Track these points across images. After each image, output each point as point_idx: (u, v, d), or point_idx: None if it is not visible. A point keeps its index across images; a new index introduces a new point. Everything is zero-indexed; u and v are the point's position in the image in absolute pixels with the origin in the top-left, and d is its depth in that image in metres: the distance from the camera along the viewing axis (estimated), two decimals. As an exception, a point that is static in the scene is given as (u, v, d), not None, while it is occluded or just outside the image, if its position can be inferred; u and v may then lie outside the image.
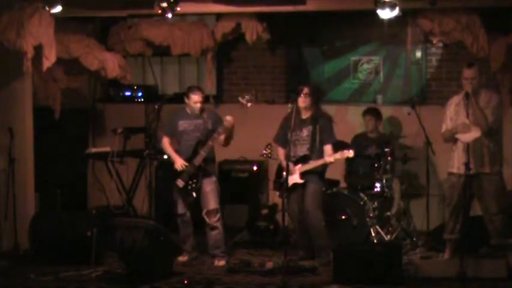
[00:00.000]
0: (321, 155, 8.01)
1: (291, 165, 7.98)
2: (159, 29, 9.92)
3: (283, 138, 8.17)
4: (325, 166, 8.14)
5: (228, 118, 7.97)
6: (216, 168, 8.45)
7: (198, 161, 8.04)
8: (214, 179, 8.17)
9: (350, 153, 7.87)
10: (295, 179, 8.03)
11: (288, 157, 7.95)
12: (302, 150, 8.08)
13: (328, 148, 8.02)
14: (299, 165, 8.03)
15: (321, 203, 8.10)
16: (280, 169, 8.30)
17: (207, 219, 8.06)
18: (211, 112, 8.36)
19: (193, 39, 9.89)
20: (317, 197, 8.06)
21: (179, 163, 8.12)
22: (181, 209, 8.19)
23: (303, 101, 8.03)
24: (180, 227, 8.26)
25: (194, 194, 8.06)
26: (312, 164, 7.99)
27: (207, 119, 8.14)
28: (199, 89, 8.29)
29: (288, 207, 7.96)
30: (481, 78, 7.63)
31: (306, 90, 8.05)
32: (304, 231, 8.16)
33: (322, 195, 8.17)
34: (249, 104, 8.08)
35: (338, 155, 7.88)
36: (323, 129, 8.05)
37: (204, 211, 8.07)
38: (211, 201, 8.06)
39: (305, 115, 8.10)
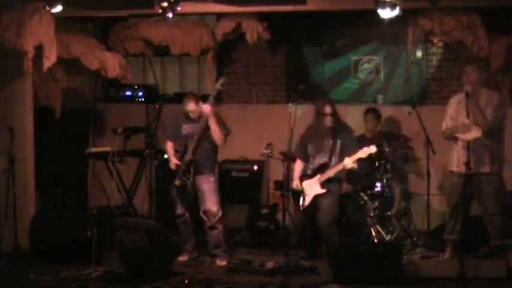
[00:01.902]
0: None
1: (301, 183, 8.00)
2: (158, 29, 9.92)
3: (304, 152, 8.14)
4: (343, 173, 8.11)
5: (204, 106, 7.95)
6: (214, 169, 8.31)
7: (188, 156, 8.04)
8: (212, 178, 8.13)
9: (371, 149, 7.80)
10: (316, 190, 7.98)
11: (305, 170, 7.95)
12: (320, 162, 8.06)
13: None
14: (317, 176, 8.00)
15: (335, 219, 8.04)
16: (296, 193, 8.23)
17: (205, 219, 8.06)
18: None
19: (193, 39, 9.89)
20: (332, 213, 7.99)
21: (172, 162, 8.15)
22: (180, 209, 8.20)
23: (329, 121, 8.01)
24: (180, 227, 8.27)
25: (191, 190, 8.05)
26: (331, 171, 7.94)
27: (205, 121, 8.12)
28: (192, 96, 8.24)
29: (298, 218, 8.07)
30: (482, 77, 7.61)
31: (329, 109, 8.01)
32: (307, 236, 8.18)
33: (337, 210, 8.08)
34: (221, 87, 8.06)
35: (359, 154, 7.80)
36: (346, 143, 8.02)
37: (201, 211, 8.07)
38: (208, 201, 8.04)
39: (325, 127, 8.05)
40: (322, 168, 8.02)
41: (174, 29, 9.93)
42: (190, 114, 8.16)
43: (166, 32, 9.94)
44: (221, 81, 8.13)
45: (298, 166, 8.24)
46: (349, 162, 7.82)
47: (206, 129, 8.02)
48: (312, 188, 8.00)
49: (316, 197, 7.99)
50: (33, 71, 8.47)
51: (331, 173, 7.95)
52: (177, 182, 8.11)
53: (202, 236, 8.34)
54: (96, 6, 8.85)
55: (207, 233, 8.16)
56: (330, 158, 8.02)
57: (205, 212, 8.04)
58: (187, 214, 8.20)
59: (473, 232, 7.62)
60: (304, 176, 8.12)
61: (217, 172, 8.30)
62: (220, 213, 8.09)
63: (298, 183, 8.08)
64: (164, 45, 10.04)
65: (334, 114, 8.08)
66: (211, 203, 8.05)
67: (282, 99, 10.40)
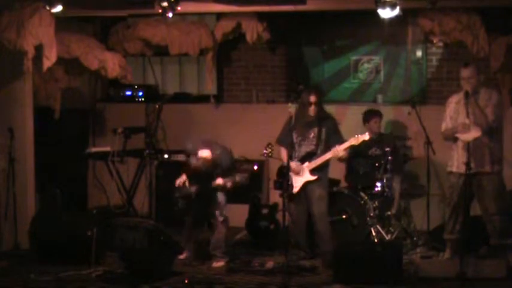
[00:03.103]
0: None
1: (297, 165, 7.97)
2: (157, 29, 9.93)
3: (287, 140, 8.10)
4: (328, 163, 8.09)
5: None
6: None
7: (194, 193, 8.07)
8: (227, 182, 8.08)
9: (365, 136, 7.79)
10: (306, 177, 7.97)
11: (291, 157, 7.93)
12: (307, 151, 8.05)
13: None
14: (306, 164, 7.99)
15: (327, 207, 8.02)
16: (281, 170, 8.23)
17: (211, 219, 8.09)
18: (223, 151, 8.17)
19: (192, 39, 9.89)
20: (324, 202, 7.97)
21: (180, 180, 8.14)
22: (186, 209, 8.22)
23: (312, 110, 7.96)
24: (186, 223, 8.25)
25: (179, 205, 8.11)
26: (321, 158, 7.90)
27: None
28: (204, 152, 8.12)
29: (291, 210, 8.02)
30: (480, 77, 7.61)
31: (313, 98, 7.97)
32: (306, 232, 8.16)
33: (328, 198, 8.06)
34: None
35: (352, 141, 7.79)
36: (330, 132, 7.99)
37: (210, 209, 8.08)
38: (215, 202, 8.05)
39: (310, 117, 8.06)
40: (309, 156, 7.99)
41: (173, 29, 9.93)
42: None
43: (164, 32, 9.94)
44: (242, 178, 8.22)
45: (285, 154, 8.03)
46: (340, 149, 7.81)
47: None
48: (300, 176, 7.98)
49: (306, 185, 7.97)
50: (33, 71, 8.47)
51: (321, 160, 7.92)
52: (177, 194, 8.16)
53: (202, 236, 8.34)
54: (96, 6, 8.85)
55: (210, 232, 8.17)
56: (317, 146, 8.00)
57: (212, 210, 8.07)
58: (191, 214, 8.19)
59: (473, 232, 7.63)
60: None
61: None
62: (222, 216, 8.06)
63: (297, 164, 8.01)
64: (163, 45, 10.04)
65: (319, 104, 8.01)
66: (215, 204, 8.06)
67: (281, 99, 10.41)
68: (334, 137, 7.97)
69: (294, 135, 8.04)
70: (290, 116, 7.95)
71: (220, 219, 8.04)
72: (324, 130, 8.00)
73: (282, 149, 8.17)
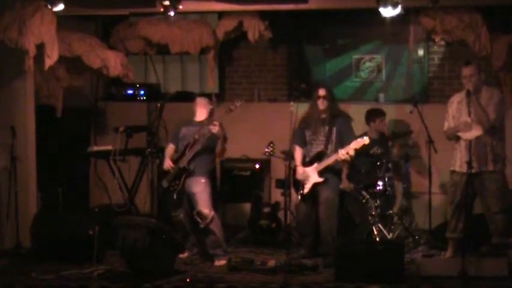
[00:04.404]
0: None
1: (302, 172, 7.96)
2: (157, 28, 9.92)
3: (302, 139, 8.12)
4: (341, 164, 8.04)
5: (212, 126, 7.92)
6: (207, 170, 8.21)
7: (182, 162, 8.04)
8: (202, 180, 8.05)
9: (365, 140, 7.72)
10: (314, 179, 7.94)
11: (304, 158, 7.93)
12: (317, 151, 8.03)
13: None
14: (315, 165, 7.96)
15: (335, 210, 7.96)
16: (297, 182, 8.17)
17: (198, 220, 8.02)
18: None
19: (193, 37, 9.88)
20: (330, 205, 7.91)
21: (166, 164, 8.17)
22: (173, 210, 8.21)
23: (322, 104, 7.95)
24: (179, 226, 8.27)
25: (174, 196, 8.05)
26: (328, 160, 7.87)
27: (206, 126, 8.08)
28: (202, 97, 8.36)
29: (300, 209, 8.04)
30: (481, 75, 7.60)
31: (322, 92, 7.96)
32: (314, 231, 8.16)
33: (337, 201, 8.01)
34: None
35: (353, 145, 7.70)
36: (342, 129, 7.96)
37: (195, 212, 8.04)
38: (199, 203, 7.99)
39: (322, 115, 8.04)
40: (318, 156, 7.97)
41: (174, 28, 9.92)
42: (196, 110, 8.14)
43: (165, 31, 9.93)
44: (237, 103, 8.14)
45: (299, 153, 8.11)
46: (342, 153, 7.75)
47: (209, 143, 8.03)
48: (310, 176, 7.98)
49: (315, 186, 7.96)
50: (35, 70, 8.48)
51: (328, 162, 7.89)
52: (164, 184, 8.13)
53: (202, 235, 8.35)
54: (98, 4, 8.86)
55: (205, 233, 8.14)
56: (326, 146, 7.97)
57: (197, 213, 8.01)
58: (181, 214, 8.18)
59: (475, 230, 7.63)
60: (302, 164, 8.09)
61: (208, 176, 8.22)
62: (212, 214, 8.00)
63: (303, 169, 8.01)
64: (164, 43, 10.04)
65: (329, 99, 8.00)
66: (201, 205, 7.98)
67: (283, 97, 10.41)
68: (346, 135, 7.92)
69: (307, 134, 8.03)
70: (303, 116, 7.94)
71: (208, 218, 7.95)
72: (335, 129, 7.96)
73: (297, 148, 8.13)
